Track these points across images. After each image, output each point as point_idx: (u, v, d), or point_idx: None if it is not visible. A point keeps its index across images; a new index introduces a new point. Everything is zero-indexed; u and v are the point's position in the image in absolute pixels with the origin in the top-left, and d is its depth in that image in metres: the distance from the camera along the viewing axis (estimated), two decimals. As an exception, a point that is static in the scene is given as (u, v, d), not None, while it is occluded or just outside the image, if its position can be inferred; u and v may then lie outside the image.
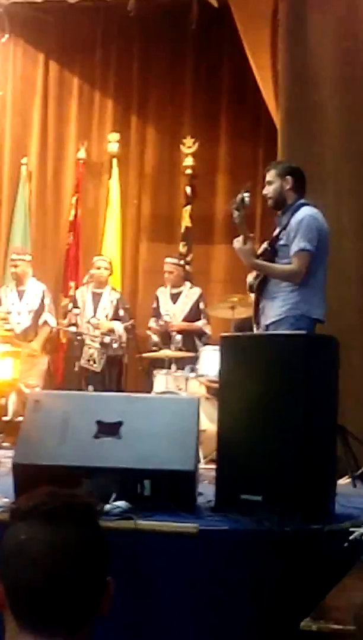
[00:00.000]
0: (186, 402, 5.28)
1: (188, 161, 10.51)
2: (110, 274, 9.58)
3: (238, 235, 5.62)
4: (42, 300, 9.26)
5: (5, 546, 1.60)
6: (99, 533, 1.64)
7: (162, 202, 10.74)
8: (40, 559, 1.55)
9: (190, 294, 9.37)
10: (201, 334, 9.22)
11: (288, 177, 5.65)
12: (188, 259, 10.23)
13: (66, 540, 1.57)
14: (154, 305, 9.38)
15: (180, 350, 8.64)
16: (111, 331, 9.10)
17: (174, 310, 9.24)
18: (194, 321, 9.23)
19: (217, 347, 7.66)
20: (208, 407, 7.03)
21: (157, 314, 9.24)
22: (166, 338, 9.00)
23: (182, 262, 9.51)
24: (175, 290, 9.35)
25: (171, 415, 4.45)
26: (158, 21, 10.64)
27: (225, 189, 10.28)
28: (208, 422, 6.68)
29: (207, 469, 5.47)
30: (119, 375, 9.34)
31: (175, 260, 9.46)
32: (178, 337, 8.83)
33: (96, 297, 9.30)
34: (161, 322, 9.04)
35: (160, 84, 10.79)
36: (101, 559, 1.61)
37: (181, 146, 10.54)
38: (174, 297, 9.32)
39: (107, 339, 9.04)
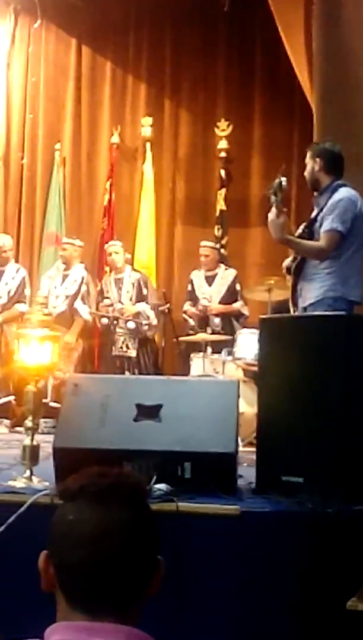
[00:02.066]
0: (225, 384, 5.25)
1: (222, 144, 10.48)
2: (129, 257, 9.57)
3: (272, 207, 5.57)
4: (80, 287, 9.31)
5: (55, 527, 1.60)
6: (148, 512, 1.63)
7: (196, 186, 10.72)
8: (89, 539, 1.55)
9: (225, 275, 9.36)
10: (238, 315, 9.22)
11: (318, 159, 5.64)
12: (223, 242, 10.22)
13: (114, 520, 1.56)
14: (189, 288, 9.38)
15: (219, 333, 8.64)
16: (137, 315, 9.12)
17: (210, 292, 9.24)
18: (231, 303, 9.23)
19: (254, 330, 7.68)
20: (246, 390, 7.00)
21: (192, 298, 9.24)
22: (204, 322, 9.01)
23: (218, 245, 9.51)
24: (210, 273, 9.35)
25: (210, 397, 4.44)
26: (191, 3, 10.60)
27: (260, 172, 10.25)
28: (246, 405, 6.66)
29: (245, 452, 5.45)
30: (155, 357, 9.35)
31: (211, 244, 9.47)
32: (217, 320, 8.83)
33: (118, 283, 9.31)
34: (199, 307, 9.04)
35: (193, 66, 10.76)
36: (150, 538, 1.61)
37: (215, 129, 10.52)
38: (210, 280, 9.32)
39: (131, 325, 9.06)
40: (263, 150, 10.45)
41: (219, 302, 9.22)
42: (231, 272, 9.43)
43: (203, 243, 9.50)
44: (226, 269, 9.44)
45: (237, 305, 9.23)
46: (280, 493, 4.04)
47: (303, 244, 5.54)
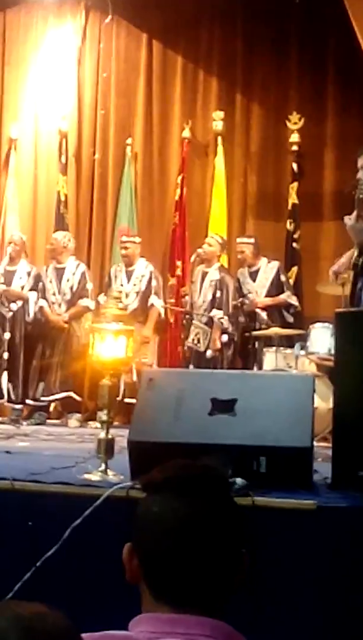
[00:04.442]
0: (301, 378, 5.24)
1: (294, 137, 10.38)
2: (219, 253, 9.55)
3: (349, 213, 5.53)
4: (150, 282, 9.38)
5: (139, 519, 1.60)
6: (232, 504, 1.62)
7: (268, 180, 10.65)
8: (175, 531, 1.55)
9: (268, 269, 9.33)
10: (287, 306, 9.18)
11: None
12: (296, 236, 10.15)
13: (199, 512, 1.56)
14: (237, 284, 9.35)
15: (267, 326, 8.60)
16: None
17: (255, 287, 9.20)
18: (277, 295, 9.19)
19: (327, 324, 7.63)
20: (319, 384, 6.93)
21: (241, 295, 9.20)
22: (251, 317, 8.97)
23: (252, 239, 9.44)
24: (253, 268, 9.31)
25: (286, 392, 4.41)
26: (262, -3, 10.56)
27: (333, 165, 10.16)
28: (319, 400, 6.60)
29: (319, 447, 5.41)
30: (233, 355, 9.33)
31: (245, 240, 9.45)
32: (263, 314, 8.79)
33: (204, 275, 9.34)
34: (246, 301, 9.00)
35: (265, 60, 10.69)
36: (235, 531, 1.59)
37: (287, 122, 10.42)
38: (253, 275, 9.29)
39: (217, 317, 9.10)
40: (336, 143, 10.34)
41: (266, 296, 9.18)
42: (274, 264, 9.39)
43: (238, 240, 9.54)
44: (268, 262, 9.39)
45: (283, 296, 9.20)
46: (356, 488, 4.00)
47: None
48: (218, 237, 9.68)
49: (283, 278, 9.34)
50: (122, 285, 9.31)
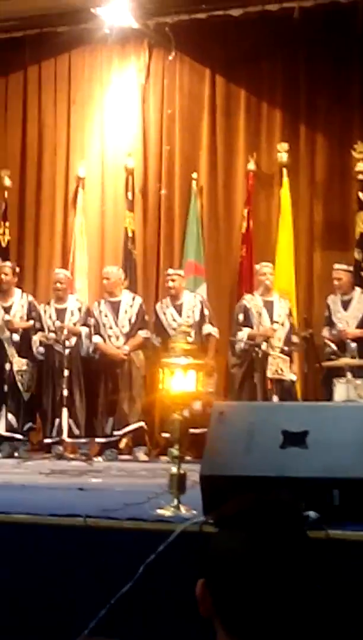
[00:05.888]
0: (372, 409, 5.17)
1: (360, 166, 10.32)
2: None
3: None
4: (202, 312, 9.41)
5: (211, 555, 1.58)
6: (305, 539, 1.59)
7: (334, 209, 10.62)
8: (246, 567, 1.52)
9: (361, 299, 9.24)
10: None
11: None
12: (364, 265, 10.08)
13: (272, 547, 1.53)
14: (326, 313, 9.31)
15: (353, 357, 8.53)
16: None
17: (346, 317, 9.14)
18: None
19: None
20: (392, 415, 6.86)
21: (329, 323, 9.16)
22: (341, 346, 8.90)
23: (352, 267, 9.39)
24: (346, 297, 9.26)
25: (357, 423, 4.36)
26: (323, 27, 10.56)
27: None
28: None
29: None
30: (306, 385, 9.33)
31: (344, 267, 9.39)
32: (353, 344, 8.72)
33: (268, 305, 9.31)
34: (334, 332, 8.95)
35: (328, 90, 10.71)
36: (308, 566, 1.57)
37: (352, 151, 10.38)
38: (345, 304, 9.23)
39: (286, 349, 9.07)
40: None
41: (357, 327, 9.11)
42: None
43: (336, 266, 9.44)
44: (362, 293, 9.33)
45: None
46: None
47: None
48: (270, 264, 9.71)
49: None
50: (174, 320, 9.27)
